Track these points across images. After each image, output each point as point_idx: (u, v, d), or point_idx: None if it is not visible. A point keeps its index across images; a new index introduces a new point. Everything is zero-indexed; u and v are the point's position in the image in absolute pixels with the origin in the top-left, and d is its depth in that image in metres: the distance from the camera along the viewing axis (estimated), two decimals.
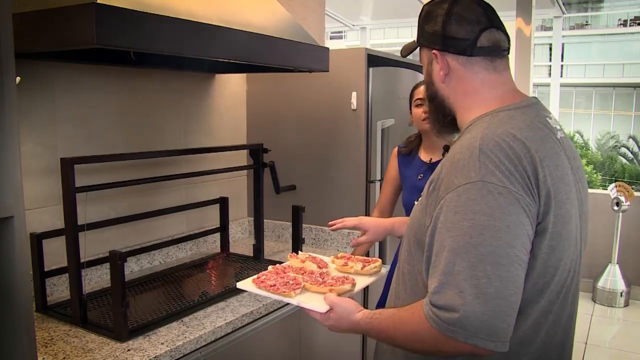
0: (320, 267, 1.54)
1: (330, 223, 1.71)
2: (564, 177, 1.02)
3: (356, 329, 1.18)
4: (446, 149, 1.19)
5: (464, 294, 0.92)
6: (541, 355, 1.06)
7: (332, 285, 1.37)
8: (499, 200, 0.93)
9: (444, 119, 1.19)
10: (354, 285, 1.40)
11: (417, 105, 2.09)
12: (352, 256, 1.61)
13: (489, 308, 0.91)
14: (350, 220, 1.69)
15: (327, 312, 1.22)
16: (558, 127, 1.11)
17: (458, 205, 0.96)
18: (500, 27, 1.11)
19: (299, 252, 1.69)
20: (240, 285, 1.46)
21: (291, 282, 1.41)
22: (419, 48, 1.22)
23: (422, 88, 2.07)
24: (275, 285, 1.40)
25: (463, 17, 1.09)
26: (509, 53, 1.14)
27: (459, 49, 1.09)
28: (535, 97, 1.14)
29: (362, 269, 1.51)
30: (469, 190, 0.95)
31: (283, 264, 1.58)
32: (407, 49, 1.30)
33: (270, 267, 1.53)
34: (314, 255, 1.64)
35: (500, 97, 1.09)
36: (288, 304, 1.90)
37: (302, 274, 1.49)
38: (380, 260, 1.54)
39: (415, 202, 1.19)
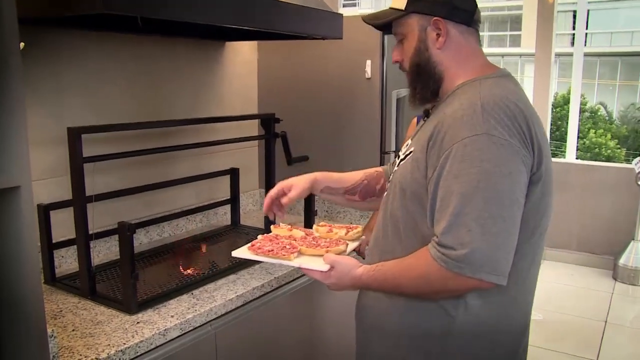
0: (307, 235, 1.56)
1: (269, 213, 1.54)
2: (545, 137, 1.17)
3: (357, 284, 1.26)
4: (426, 113, 1.29)
5: (472, 232, 1.04)
6: (526, 290, 1.23)
7: (327, 247, 1.42)
8: (502, 151, 1.06)
9: (434, 85, 1.24)
10: (347, 246, 1.48)
11: None
12: (333, 225, 1.63)
13: (493, 245, 1.04)
14: (272, 191, 1.52)
15: (327, 270, 1.29)
16: None
17: (465, 154, 1.06)
18: None
19: (280, 224, 1.63)
20: (235, 253, 1.46)
21: (288, 246, 1.44)
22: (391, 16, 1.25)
23: None
24: (272, 250, 1.42)
25: None
26: None
27: (463, 19, 1.21)
28: (506, 69, 1.26)
29: (346, 234, 1.55)
30: (475, 141, 1.06)
31: (271, 234, 1.58)
32: (384, 17, 1.26)
33: (260, 236, 1.54)
34: (295, 226, 1.65)
35: (481, 66, 1.23)
36: (299, 277, 1.92)
37: (293, 240, 1.50)
38: (360, 226, 1.61)
39: (401, 163, 1.26)
